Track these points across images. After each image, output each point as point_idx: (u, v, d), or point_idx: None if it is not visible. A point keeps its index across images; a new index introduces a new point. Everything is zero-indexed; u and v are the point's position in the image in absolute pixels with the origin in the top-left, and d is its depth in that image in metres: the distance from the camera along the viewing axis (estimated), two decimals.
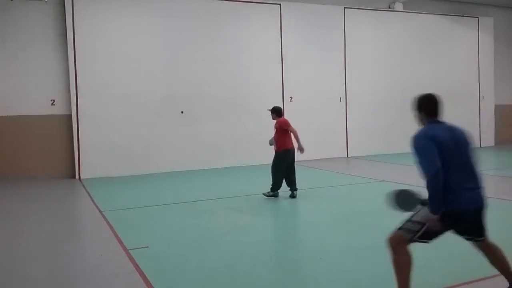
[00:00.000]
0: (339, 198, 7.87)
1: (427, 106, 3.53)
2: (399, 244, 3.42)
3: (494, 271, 4.17)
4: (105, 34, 11.28)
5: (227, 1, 12.49)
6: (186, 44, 12.01)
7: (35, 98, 10.95)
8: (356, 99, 14.09)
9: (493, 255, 3.64)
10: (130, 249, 5.12)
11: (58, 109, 11.16)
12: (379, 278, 4.20)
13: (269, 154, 13.33)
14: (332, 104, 13.89)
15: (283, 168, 7.71)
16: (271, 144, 8.02)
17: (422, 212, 3.34)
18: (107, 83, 11.28)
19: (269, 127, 12.97)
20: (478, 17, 16.04)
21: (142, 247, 5.23)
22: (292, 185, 7.85)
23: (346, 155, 13.97)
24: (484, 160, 13.90)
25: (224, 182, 10.28)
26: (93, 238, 6.14)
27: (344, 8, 13.92)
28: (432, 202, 3.23)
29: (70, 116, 11.11)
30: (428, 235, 3.40)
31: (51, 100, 11.10)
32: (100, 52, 11.22)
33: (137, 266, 4.56)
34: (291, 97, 13.26)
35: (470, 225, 3.42)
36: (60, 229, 6.47)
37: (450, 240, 5.37)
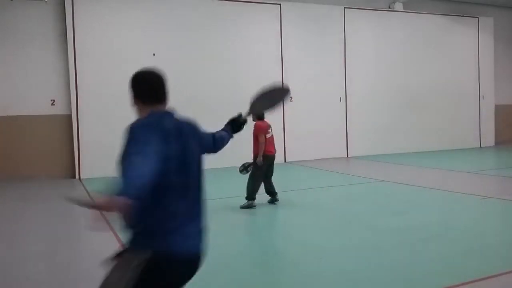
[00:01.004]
0: (339, 198, 7.86)
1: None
2: None
3: (494, 271, 4.18)
4: (105, 34, 11.28)
5: (227, 1, 12.49)
6: (186, 44, 12.01)
7: (35, 98, 10.95)
8: (356, 99, 14.09)
9: None
10: None
11: (58, 109, 11.16)
12: (379, 278, 4.20)
13: None
14: (332, 104, 13.89)
15: (262, 174, 7.29)
16: None
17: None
18: (107, 83, 11.27)
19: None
20: (478, 17, 16.03)
21: None
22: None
23: (346, 155, 13.97)
24: (484, 160, 13.97)
25: (224, 182, 10.27)
26: (93, 238, 6.13)
27: (344, 8, 13.92)
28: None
29: (70, 116, 11.11)
30: None
31: (51, 100, 11.10)
32: (100, 52, 11.22)
33: None
34: (291, 97, 13.25)
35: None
36: (60, 229, 6.47)
37: (450, 240, 5.38)
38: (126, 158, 2.15)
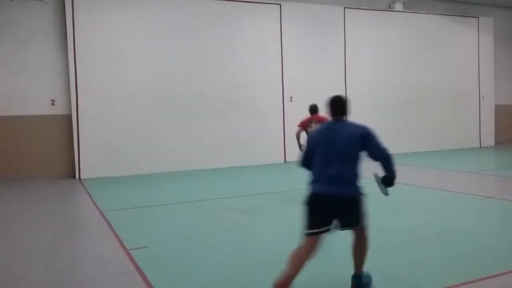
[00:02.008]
0: None
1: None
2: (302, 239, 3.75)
3: (494, 271, 4.18)
4: (105, 34, 11.28)
5: (227, 1, 12.49)
6: (186, 44, 12.01)
7: (35, 98, 10.95)
8: (356, 99, 14.01)
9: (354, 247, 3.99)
10: (130, 249, 5.12)
11: (58, 109, 11.16)
12: (379, 278, 4.20)
13: (269, 154, 13.40)
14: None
15: None
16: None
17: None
18: (107, 83, 11.27)
19: (269, 126, 13.03)
20: (478, 17, 16.03)
21: (142, 247, 5.23)
22: None
23: None
24: (484, 160, 13.96)
25: (224, 182, 10.27)
26: (93, 238, 6.13)
27: (344, 8, 13.92)
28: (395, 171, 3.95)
29: (70, 116, 11.11)
30: None
31: (51, 100, 11.09)
32: (100, 52, 11.22)
33: (137, 266, 4.56)
34: (291, 97, 13.26)
35: None
36: (60, 229, 6.47)
37: (450, 240, 5.38)
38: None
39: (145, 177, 10.97)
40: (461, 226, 5.98)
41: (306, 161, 3.97)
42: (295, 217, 6.76)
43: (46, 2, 10.71)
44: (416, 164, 11.90)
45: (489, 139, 16.33)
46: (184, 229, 6.18)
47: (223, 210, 7.27)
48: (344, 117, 4.04)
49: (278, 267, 4.62)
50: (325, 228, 3.65)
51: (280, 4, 13.07)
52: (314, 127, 7.65)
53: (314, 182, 3.78)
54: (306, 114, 13.22)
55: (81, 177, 11.00)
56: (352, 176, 3.76)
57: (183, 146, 11.99)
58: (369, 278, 3.94)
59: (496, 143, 16.42)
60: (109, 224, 6.39)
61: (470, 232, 5.68)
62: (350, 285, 3.94)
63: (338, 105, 4.01)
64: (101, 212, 7.18)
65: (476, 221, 6.25)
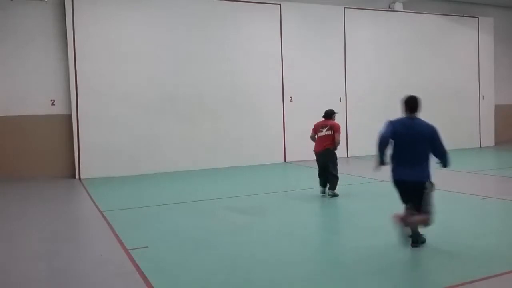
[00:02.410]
0: (339, 198, 7.85)
1: (406, 104, 5.11)
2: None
3: (494, 271, 4.18)
4: (105, 34, 11.28)
5: (227, 1, 12.49)
6: (186, 44, 12.01)
7: (35, 98, 10.95)
8: (356, 99, 14.09)
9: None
10: (130, 249, 5.12)
11: (58, 109, 11.16)
12: (379, 278, 4.20)
13: (269, 154, 13.39)
14: (332, 104, 13.76)
15: (319, 167, 8.05)
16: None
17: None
18: (107, 83, 11.27)
19: (269, 126, 13.02)
20: (478, 17, 16.03)
21: (142, 247, 5.23)
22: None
23: (346, 155, 13.96)
24: (484, 160, 13.96)
25: (224, 182, 10.27)
26: (93, 238, 6.13)
27: (344, 8, 13.92)
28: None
29: (70, 116, 11.11)
30: None
31: (51, 100, 11.09)
32: (100, 52, 11.22)
33: (137, 266, 4.56)
34: (291, 97, 13.26)
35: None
36: (60, 229, 6.47)
37: (450, 240, 5.38)
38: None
39: (145, 177, 10.97)
40: (461, 226, 5.98)
41: (383, 149, 4.81)
42: (295, 217, 6.78)
43: (46, 2, 10.71)
44: None
45: (489, 139, 16.33)
46: (184, 229, 6.18)
47: (223, 210, 7.27)
48: (416, 114, 4.90)
49: (278, 267, 4.63)
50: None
51: (280, 4, 13.07)
52: (324, 132, 7.94)
53: (393, 168, 4.75)
54: (306, 114, 13.28)
55: (81, 177, 10.99)
56: (423, 165, 4.58)
57: (183, 146, 11.99)
58: (423, 237, 4.89)
59: (496, 143, 16.41)
60: (109, 224, 6.38)
61: (470, 232, 5.68)
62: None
63: (412, 104, 4.88)
64: (101, 212, 7.18)
65: (476, 221, 6.25)
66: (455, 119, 15.49)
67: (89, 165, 11.07)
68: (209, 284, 4.16)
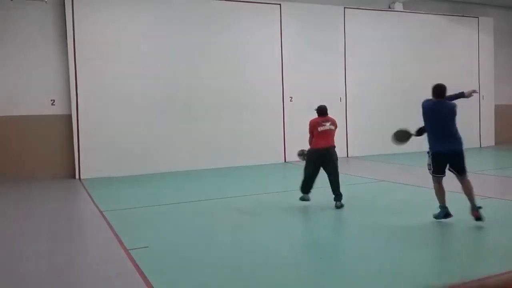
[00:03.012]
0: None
1: (434, 90, 6.09)
2: (433, 180, 5.92)
3: (494, 271, 4.19)
4: (105, 34, 11.28)
5: (227, 1, 12.49)
6: (186, 44, 12.00)
7: (35, 98, 10.94)
8: (356, 99, 14.08)
9: (465, 189, 5.82)
10: (130, 249, 5.12)
11: (58, 109, 11.15)
12: (379, 278, 4.20)
13: (269, 154, 13.39)
14: (332, 104, 13.79)
15: (310, 167, 7.07)
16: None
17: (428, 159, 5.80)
18: (107, 83, 11.27)
19: (269, 126, 13.03)
20: (478, 17, 16.03)
21: (142, 247, 5.22)
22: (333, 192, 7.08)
23: (346, 155, 13.96)
24: (484, 160, 13.94)
25: (224, 182, 10.27)
26: (93, 238, 6.14)
27: (344, 8, 13.92)
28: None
29: (70, 116, 11.10)
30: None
31: (51, 100, 11.09)
32: (100, 52, 11.21)
33: (137, 266, 4.56)
34: (291, 97, 13.26)
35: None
36: (60, 229, 6.47)
37: (450, 240, 5.38)
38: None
39: (145, 177, 10.97)
40: (461, 226, 5.97)
41: (423, 128, 5.74)
42: (295, 217, 6.78)
43: (46, 2, 10.70)
44: (416, 164, 11.88)
45: (489, 139, 16.32)
46: (184, 229, 6.18)
47: (223, 210, 7.27)
48: (444, 98, 5.98)
49: (278, 267, 4.63)
50: (444, 174, 5.76)
51: (280, 4, 13.07)
52: (328, 126, 7.17)
53: (434, 142, 5.68)
54: (306, 114, 13.27)
55: (81, 177, 10.99)
56: (457, 136, 5.65)
57: (183, 146, 11.98)
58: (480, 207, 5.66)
59: (496, 143, 16.41)
60: (109, 224, 6.38)
61: (470, 232, 5.68)
62: None
63: (440, 90, 6.05)
64: (101, 212, 7.18)
65: (476, 221, 6.24)
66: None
67: (89, 165, 11.07)
68: (209, 285, 4.16)
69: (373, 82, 14.31)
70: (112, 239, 5.64)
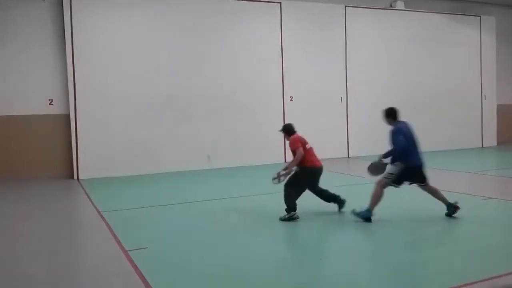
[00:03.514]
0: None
1: (394, 114, 6.52)
2: (381, 185, 6.08)
3: (495, 272, 4.14)
4: (103, 34, 11.22)
5: (227, 1, 12.42)
6: (186, 44, 11.94)
7: (33, 97, 10.88)
8: (357, 99, 14.02)
9: (434, 193, 6.24)
10: (129, 250, 5.06)
11: (56, 109, 11.09)
12: (380, 278, 4.14)
13: (270, 154, 13.33)
14: (333, 104, 13.82)
15: (303, 186, 6.62)
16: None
17: (393, 169, 6.09)
18: (105, 82, 11.21)
19: (269, 126, 12.96)
20: (480, 16, 15.96)
21: (141, 248, 5.17)
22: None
23: (347, 155, 13.90)
24: (485, 160, 13.89)
25: (224, 182, 10.21)
26: (92, 239, 6.08)
27: (345, 6, 13.85)
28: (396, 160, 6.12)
29: (68, 115, 11.04)
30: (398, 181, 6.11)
31: (49, 100, 11.03)
32: (99, 51, 11.15)
33: (136, 267, 4.51)
34: (291, 97, 13.20)
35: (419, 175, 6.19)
36: (59, 229, 6.41)
37: (451, 240, 5.32)
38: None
39: (144, 177, 10.91)
40: (462, 226, 5.92)
41: (406, 147, 6.06)
42: (295, 219, 6.71)
43: (44, 1, 10.65)
44: None
45: (491, 139, 16.25)
46: (183, 230, 6.12)
47: (222, 210, 7.22)
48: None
49: (278, 268, 4.57)
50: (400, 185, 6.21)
51: (280, 3, 13.00)
52: (308, 143, 6.77)
53: (412, 157, 6.12)
54: (306, 114, 13.25)
55: (80, 178, 10.92)
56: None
57: (182, 146, 11.92)
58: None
59: (498, 143, 16.34)
60: (107, 225, 6.33)
61: (471, 233, 5.64)
62: None
63: (397, 112, 6.58)
64: (99, 213, 7.12)
65: (477, 222, 6.18)
66: (456, 119, 15.42)
67: (88, 165, 11.00)
68: (208, 285, 4.11)
69: (374, 82, 14.24)
70: (110, 240, 5.59)
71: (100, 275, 4.45)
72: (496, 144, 16.24)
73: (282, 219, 6.33)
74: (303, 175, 6.56)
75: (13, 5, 10.64)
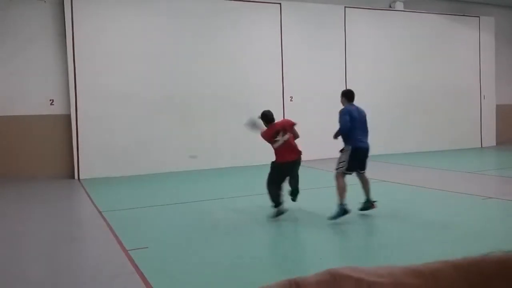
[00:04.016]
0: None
1: (349, 95, 6.53)
2: (339, 177, 6.26)
3: None
4: (104, 34, 11.24)
5: (227, 1, 12.44)
6: (186, 44, 11.96)
7: (34, 98, 10.90)
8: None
9: (365, 183, 6.48)
10: (130, 250, 5.08)
11: (57, 109, 11.12)
12: None
13: (269, 154, 13.32)
14: (333, 104, 13.76)
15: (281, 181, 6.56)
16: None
17: (342, 157, 6.28)
18: (106, 82, 11.23)
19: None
20: (479, 17, 15.98)
21: (142, 248, 5.19)
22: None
23: None
24: (485, 160, 13.91)
25: (224, 182, 10.23)
26: (92, 239, 6.10)
27: (345, 7, 13.87)
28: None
29: (69, 116, 11.07)
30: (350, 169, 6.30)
31: (50, 100, 11.06)
32: (99, 51, 11.17)
33: (136, 267, 4.52)
34: (291, 97, 13.21)
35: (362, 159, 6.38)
36: (59, 229, 6.43)
37: (451, 240, 5.34)
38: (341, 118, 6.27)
39: (144, 177, 10.93)
40: (462, 226, 5.94)
41: (351, 128, 6.20)
42: (295, 218, 6.74)
43: (45, 1, 10.67)
44: (416, 164, 11.86)
45: (490, 139, 16.27)
46: (183, 230, 6.14)
47: (222, 210, 7.24)
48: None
49: (278, 267, 4.59)
50: (353, 172, 6.37)
51: (280, 4, 13.02)
52: (280, 138, 6.49)
53: (355, 140, 6.26)
54: (306, 114, 13.27)
55: (80, 177, 10.95)
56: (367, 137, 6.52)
57: (182, 146, 11.93)
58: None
59: (498, 143, 16.36)
60: (108, 224, 6.35)
61: (471, 233, 5.65)
62: None
63: (353, 94, 6.61)
64: (100, 213, 7.14)
65: (477, 222, 6.21)
66: (456, 119, 15.45)
67: (88, 165, 11.03)
68: (209, 285, 4.13)
69: (373, 82, 14.26)
70: (111, 240, 5.60)
71: (100, 274, 4.47)
72: (495, 144, 16.26)
73: (272, 217, 6.35)
74: (273, 170, 6.59)
75: (13, 5, 10.65)
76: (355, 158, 6.25)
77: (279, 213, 6.33)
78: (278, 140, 6.44)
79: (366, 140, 6.41)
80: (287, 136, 6.52)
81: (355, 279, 0.46)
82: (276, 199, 6.38)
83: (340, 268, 0.46)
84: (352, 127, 6.22)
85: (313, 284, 0.45)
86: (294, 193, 6.75)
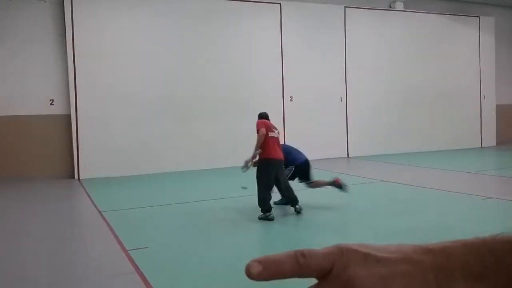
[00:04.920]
0: (339, 198, 7.81)
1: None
2: None
3: None
4: (104, 34, 11.24)
5: (227, 1, 12.45)
6: (186, 44, 11.97)
7: (34, 97, 10.91)
8: (357, 99, 14.05)
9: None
10: (130, 250, 5.08)
11: (57, 109, 11.12)
12: None
13: None
14: (333, 104, 13.85)
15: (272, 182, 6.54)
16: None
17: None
18: (106, 82, 11.23)
19: None
20: (479, 17, 15.99)
21: (142, 248, 5.19)
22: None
23: (346, 155, 13.93)
24: (485, 160, 13.91)
25: (224, 182, 10.23)
26: (92, 239, 6.10)
27: (345, 7, 13.88)
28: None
29: (69, 116, 11.07)
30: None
31: (50, 100, 11.06)
32: (100, 51, 11.18)
33: (136, 267, 4.52)
34: (291, 97, 13.22)
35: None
36: (59, 229, 6.43)
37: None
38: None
39: (144, 177, 10.93)
40: (462, 226, 5.94)
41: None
42: (295, 218, 6.74)
43: (45, 1, 10.67)
44: (416, 164, 11.86)
45: (490, 139, 16.28)
46: (183, 230, 6.14)
47: (223, 210, 7.24)
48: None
49: None
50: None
51: (280, 4, 13.03)
52: (276, 134, 6.83)
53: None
54: (306, 114, 13.27)
55: (80, 177, 10.95)
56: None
57: (182, 146, 11.94)
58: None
59: (498, 143, 16.37)
60: (108, 224, 6.35)
61: (470, 233, 5.61)
62: None
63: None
64: (100, 213, 7.14)
65: (477, 222, 6.21)
66: (456, 119, 15.46)
67: (88, 165, 11.03)
68: (209, 285, 4.13)
69: (373, 82, 14.27)
70: (111, 240, 5.61)
71: (100, 274, 4.47)
72: (495, 144, 16.26)
73: (260, 218, 6.32)
74: (261, 168, 6.58)
75: (13, 5, 10.66)
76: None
77: (266, 219, 6.26)
78: (274, 132, 6.71)
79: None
80: (278, 133, 6.83)
81: (363, 253, 0.47)
82: (267, 204, 6.34)
83: (349, 244, 0.48)
84: (286, 145, 6.84)
85: (320, 256, 0.46)
86: (293, 203, 6.65)
